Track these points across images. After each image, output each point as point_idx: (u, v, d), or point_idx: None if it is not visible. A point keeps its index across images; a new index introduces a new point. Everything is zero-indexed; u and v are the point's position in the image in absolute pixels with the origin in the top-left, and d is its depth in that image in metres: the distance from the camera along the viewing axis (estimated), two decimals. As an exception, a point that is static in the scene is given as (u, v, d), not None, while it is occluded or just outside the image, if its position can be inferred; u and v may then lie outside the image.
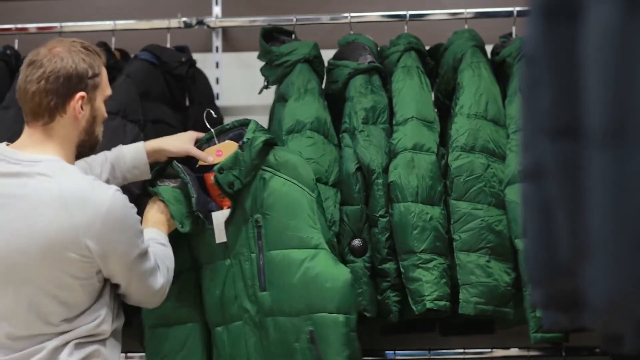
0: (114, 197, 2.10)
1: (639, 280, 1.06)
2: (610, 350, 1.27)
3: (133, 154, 2.49)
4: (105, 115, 2.28)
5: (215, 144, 2.53)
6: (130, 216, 2.13)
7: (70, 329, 2.11)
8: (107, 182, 2.42)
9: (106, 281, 2.17)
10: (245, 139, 2.48)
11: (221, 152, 2.51)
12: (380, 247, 2.62)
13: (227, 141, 2.54)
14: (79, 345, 2.11)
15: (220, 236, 2.48)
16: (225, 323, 2.53)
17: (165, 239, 2.36)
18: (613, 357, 2.52)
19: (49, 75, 2.14)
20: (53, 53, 2.17)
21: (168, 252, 2.33)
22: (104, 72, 2.25)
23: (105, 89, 2.26)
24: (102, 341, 2.15)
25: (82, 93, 2.16)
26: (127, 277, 2.16)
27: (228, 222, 2.49)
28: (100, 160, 2.49)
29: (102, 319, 2.14)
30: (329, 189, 2.63)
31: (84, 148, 2.24)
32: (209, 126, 2.55)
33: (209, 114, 2.56)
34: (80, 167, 2.29)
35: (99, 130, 2.26)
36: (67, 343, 2.10)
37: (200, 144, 2.54)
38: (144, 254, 2.17)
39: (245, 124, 2.53)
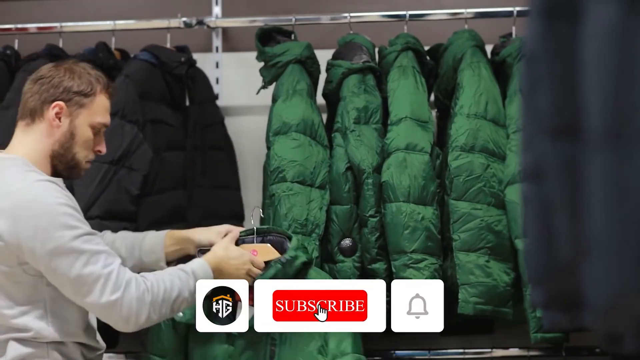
0: (35, 184, 2.11)
1: (639, 281, 1.06)
2: (610, 350, 1.27)
3: (152, 239, 2.45)
4: (90, 139, 2.24)
5: (252, 241, 2.46)
6: (49, 205, 2.07)
7: (3, 322, 2.13)
8: (124, 260, 2.32)
9: (40, 284, 2.12)
10: (288, 257, 2.41)
11: (256, 252, 2.42)
12: (370, 247, 2.62)
13: (265, 244, 2.45)
14: (11, 343, 2.12)
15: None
16: None
17: (196, 274, 2.22)
18: (613, 357, 2.52)
19: (38, 78, 2.24)
20: (55, 65, 2.27)
21: (177, 280, 2.18)
22: (100, 100, 2.25)
23: (95, 115, 2.24)
24: (42, 346, 2.13)
25: (60, 102, 2.21)
26: (51, 274, 2.08)
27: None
28: (126, 238, 2.46)
29: (35, 319, 2.11)
30: (315, 191, 2.63)
31: (61, 164, 2.22)
32: (252, 222, 2.46)
33: (256, 212, 2.48)
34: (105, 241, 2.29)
35: (80, 152, 2.23)
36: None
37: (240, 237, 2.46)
38: (70, 251, 2.06)
39: (288, 236, 2.47)
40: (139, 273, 2.16)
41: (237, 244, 2.43)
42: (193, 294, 2.19)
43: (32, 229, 2.05)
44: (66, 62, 2.31)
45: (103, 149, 2.30)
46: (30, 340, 2.12)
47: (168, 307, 2.14)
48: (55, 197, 2.10)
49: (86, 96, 2.23)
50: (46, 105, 2.21)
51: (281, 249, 2.46)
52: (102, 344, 2.27)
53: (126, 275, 2.09)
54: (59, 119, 2.21)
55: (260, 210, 2.53)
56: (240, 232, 2.46)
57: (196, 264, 2.25)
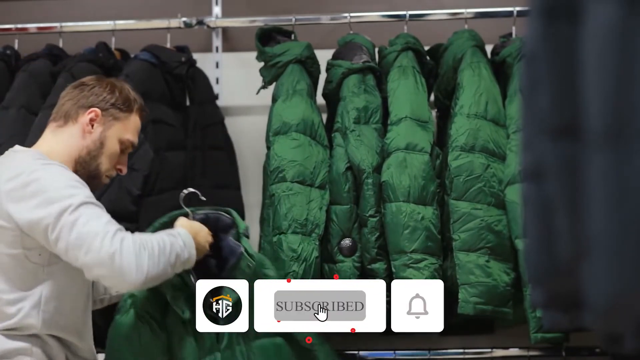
0: (43, 166, 2.12)
1: (639, 280, 1.07)
2: (610, 350, 1.27)
3: None
4: (116, 153, 2.27)
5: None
6: (56, 180, 2.10)
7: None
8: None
9: (41, 272, 2.14)
10: (245, 226, 2.45)
11: None
12: (370, 247, 2.62)
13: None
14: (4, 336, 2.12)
15: None
16: None
17: (180, 234, 2.25)
18: (613, 357, 2.52)
19: (79, 84, 2.29)
20: (98, 77, 2.35)
21: (166, 236, 2.20)
22: (134, 118, 2.31)
23: (127, 131, 2.29)
24: (27, 342, 2.12)
25: (97, 109, 2.24)
26: (56, 240, 2.07)
27: None
28: None
29: (28, 307, 2.11)
30: (315, 191, 2.64)
31: (84, 170, 2.23)
32: (184, 206, 2.46)
33: (191, 195, 2.48)
34: None
35: (104, 163, 2.26)
36: None
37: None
38: (73, 212, 2.07)
39: (226, 211, 2.48)
40: None
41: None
42: (184, 250, 2.19)
43: (39, 200, 2.07)
44: (109, 78, 2.38)
45: (124, 169, 2.32)
46: (18, 334, 2.12)
47: (165, 261, 2.12)
48: (63, 174, 2.13)
49: (122, 111, 2.28)
50: (82, 109, 2.25)
51: (215, 225, 2.44)
52: (95, 354, 2.28)
53: (122, 233, 2.09)
54: (92, 125, 2.24)
55: (194, 190, 2.50)
56: (171, 215, 2.46)
57: (178, 228, 2.27)
